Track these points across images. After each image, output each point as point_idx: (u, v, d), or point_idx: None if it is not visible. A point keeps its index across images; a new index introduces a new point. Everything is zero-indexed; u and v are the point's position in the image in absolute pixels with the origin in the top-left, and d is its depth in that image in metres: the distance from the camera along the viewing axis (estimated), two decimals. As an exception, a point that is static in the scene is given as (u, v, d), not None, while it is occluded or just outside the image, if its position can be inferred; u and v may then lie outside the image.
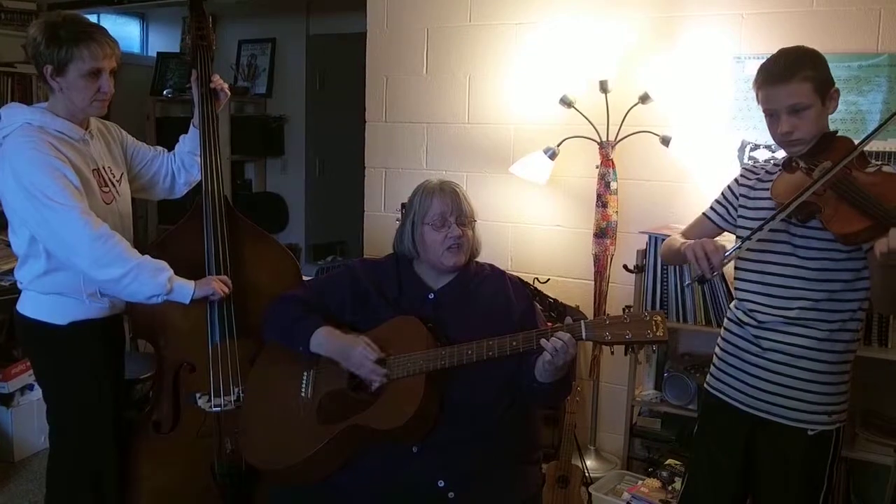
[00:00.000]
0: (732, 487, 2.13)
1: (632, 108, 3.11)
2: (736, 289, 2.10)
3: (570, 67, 3.32)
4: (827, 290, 1.92)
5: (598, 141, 3.17)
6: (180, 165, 2.69)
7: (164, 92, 5.44)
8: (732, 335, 2.09)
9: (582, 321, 1.91)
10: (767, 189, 1.99)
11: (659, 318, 1.84)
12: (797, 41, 2.80)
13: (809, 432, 1.97)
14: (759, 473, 2.07)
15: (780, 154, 2.19)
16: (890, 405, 2.93)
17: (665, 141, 3.07)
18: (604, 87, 3.11)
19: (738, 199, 2.10)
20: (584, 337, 1.89)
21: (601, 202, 3.16)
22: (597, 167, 3.18)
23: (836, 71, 2.82)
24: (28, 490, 3.32)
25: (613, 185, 3.15)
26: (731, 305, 2.14)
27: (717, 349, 2.17)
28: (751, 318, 2.02)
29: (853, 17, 2.86)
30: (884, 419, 2.87)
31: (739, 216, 2.08)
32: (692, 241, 1.98)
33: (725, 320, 2.16)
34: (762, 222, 1.91)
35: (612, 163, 3.15)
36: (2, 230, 3.99)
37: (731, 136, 3.05)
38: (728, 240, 2.08)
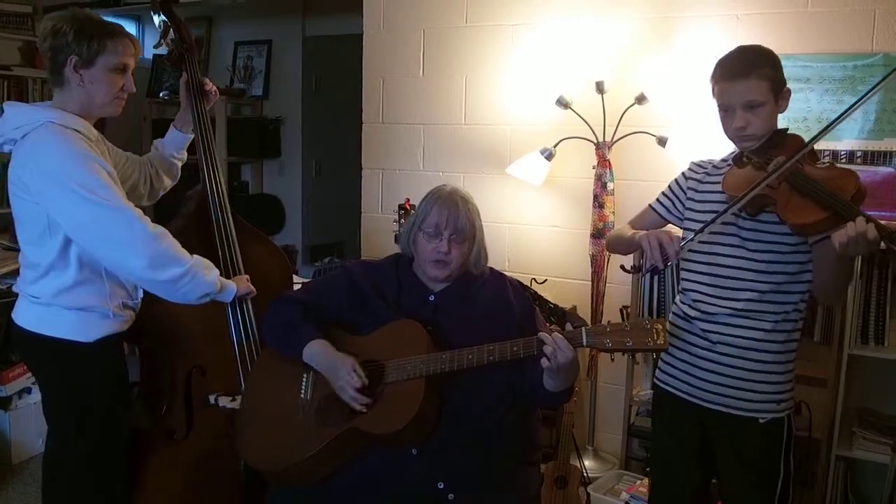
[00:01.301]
0: (691, 477, 2.17)
1: (628, 108, 3.11)
2: (683, 279, 2.13)
3: (566, 68, 3.33)
4: (773, 282, 1.96)
5: (595, 142, 3.18)
6: (157, 170, 2.62)
7: (160, 94, 5.44)
8: (679, 329, 2.12)
9: (583, 328, 1.91)
10: (716, 183, 2.04)
11: (660, 326, 1.84)
12: (792, 42, 2.82)
13: (761, 420, 2.01)
14: (718, 463, 2.12)
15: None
16: (886, 403, 2.94)
17: (661, 142, 3.09)
18: (600, 87, 3.12)
19: (685, 192, 2.15)
20: (584, 344, 1.88)
21: (598, 203, 3.16)
22: (593, 168, 3.19)
23: (831, 71, 2.87)
24: (26, 493, 3.32)
25: (610, 186, 3.15)
26: (677, 299, 2.17)
27: None
28: (696, 309, 2.06)
29: (848, 18, 2.87)
30: (880, 417, 2.88)
31: (688, 209, 2.12)
32: (645, 231, 2.03)
33: (671, 315, 2.19)
34: (715, 215, 1.95)
35: (609, 163, 3.16)
36: (1, 232, 4.00)
37: (726, 137, 3.05)
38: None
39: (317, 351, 2.09)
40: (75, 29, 2.13)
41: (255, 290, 2.39)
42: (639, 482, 2.95)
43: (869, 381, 2.93)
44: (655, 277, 3.03)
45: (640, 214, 2.29)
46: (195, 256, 2.18)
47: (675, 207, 2.17)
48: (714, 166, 2.13)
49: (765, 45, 2.02)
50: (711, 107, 3.11)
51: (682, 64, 3.13)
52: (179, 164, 2.67)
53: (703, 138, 3.08)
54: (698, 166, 2.17)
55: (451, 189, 2.21)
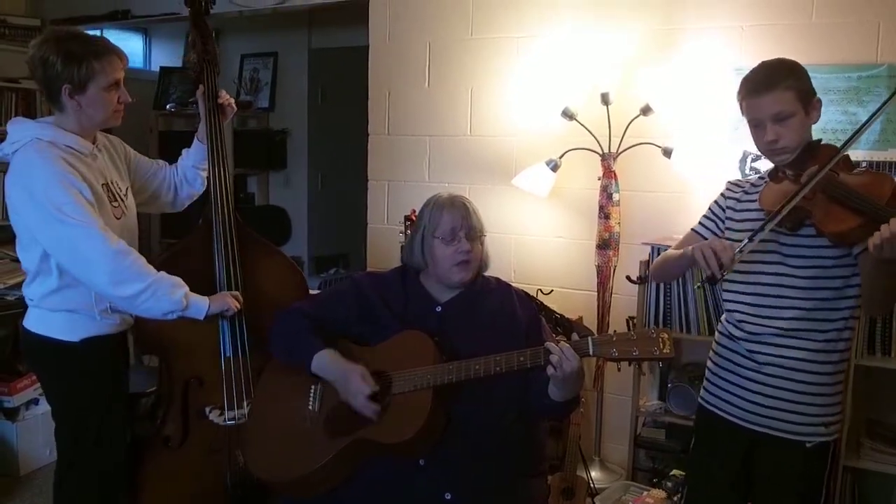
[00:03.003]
0: (729, 501, 2.13)
1: (633, 119, 3.12)
2: (725, 300, 2.11)
3: (571, 80, 3.34)
4: (818, 298, 1.93)
5: (600, 153, 3.19)
6: (182, 178, 2.69)
7: (167, 106, 5.47)
8: (725, 350, 2.09)
9: (589, 337, 1.92)
10: (754, 201, 2.01)
11: (665, 335, 1.84)
12: (797, 53, 2.82)
13: (808, 444, 1.97)
14: (756, 486, 2.08)
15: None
16: (894, 414, 2.93)
17: (667, 152, 3.09)
18: (605, 99, 3.13)
19: (725, 211, 2.12)
20: (590, 353, 1.89)
21: (604, 213, 3.17)
22: (599, 179, 3.20)
23: (836, 82, 2.88)
24: (34, 504, 3.33)
25: (616, 197, 3.16)
26: (722, 318, 2.14)
27: (709, 363, 2.17)
28: (740, 329, 2.03)
29: (852, 29, 2.88)
30: (888, 429, 2.88)
31: (727, 228, 2.09)
32: (695, 245, 1.97)
33: (717, 334, 2.16)
34: (763, 221, 1.89)
35: (615, 174, 3.17)
36: (7, 244, 4.02)
37: (732, 147, 3.06)
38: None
39: (325, 361, 2.09)
40: (62, 57, 2.19)
41: (234, 306, 2.38)
42: (645, 493, 2.94)
43: (876, 391, 2.93)
44: (662, 287, 3.03)
45: (683, 240, 2.21)
46: (161, 274, 2.22)
47: (718, 228, 2.12)
48: (752, 184, 2.09)
49: (768, 56, 2.03)
50: (716, 118, 3.14)
51: (687, 75, 3.14)
52: (204, 174, 2.70)
53: (709, 149, 3.10)
54: (736, 185, 2.14)
55: (449, 194, 2.24)
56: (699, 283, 1.95)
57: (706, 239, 2.14)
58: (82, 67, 2.19)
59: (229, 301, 2.36)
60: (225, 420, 2.45)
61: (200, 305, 2.27)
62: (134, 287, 2.16)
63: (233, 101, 2.70)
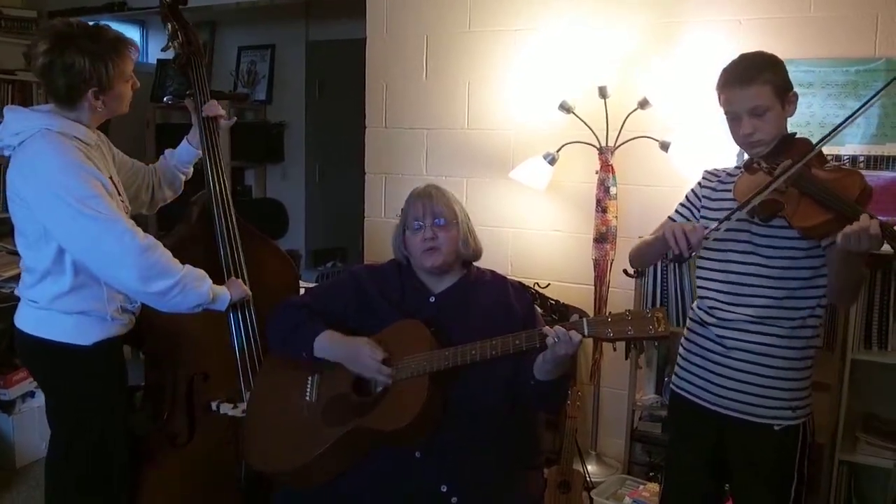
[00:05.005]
0: (704, 486, 2.16)
1: (631, 113, 3.12)
2: (698, 287, 2.14)
3: (569, 73, 3.34)
4: (787, 287, 1.96)
5: (598, 146, 3.18)
6: (161, 179, 2.62)
7: (164, 98, 5.45)
8: (696, 335, 2.13)
9: (584, 318, 1.92)
10: (729, 191, 2.04)
11: (660, 314, 1.85)
12: (794, 47, 2.82)
13: (776, 427, 2.00)
14: (730, 470, 2.11)
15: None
16: (890, 408, 2.94)
17: (664, 146, 3.09)
18: (603, 92, 3.12)
19: (700, 200, 2.15)
20: (586, 333, 1.89)
21: (601, 207, 3.17)
22: (596, 172, 3.19)
23: (834, 76, 2.87)
24: (30, 497, 3.31)
25: (613, 191, 3.16)
26: (693, 305, 2.18)
27: (680, 349, 2.20)
28: (711, 315, 2.06)
29: (850, 23, 2.88)
30: (884, 422, 2.88)
31: (702, 217, 2.11)
32: (668, 225, 2.02)
33: (688, 320, 2.19)
34: (730, 212, 1.94)
35: (612, 168, 3.16)
36: (5, 237, 4.00)
37: (729, 142, 3.03)
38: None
39: (328, 342, 2.11)
40: (88, 59, 2.10)
41: (250, 293, 2.39)
42: (641, 487, 2.95)
43: (872, 385, 2.93)
44: (659, 281, 3.03)
45: (660, 227, 2.24)
46: (186, 267, 2.16)
47: (694, 217, 2.16)
48: (728, 174, 2.12)
49: (767, 50, 2.03)
50: (714, 111, 3.11)
51: (684, 68, 3.14)
52: (183, 178, 2.67)
53: (706, 143, 3.09)
54: (712, 175, 2.17)
55: (425, 185, 2.26)
56: (667, 262, 1.99)
57: None
58: (108, 67, 2.12)
59: (241, 284, 2.36)
60: (242, 412, 2.41)
61: (223, 297, 2.25)
62: (164, 283, 2.09)
63: (223, 113, 2.65)
